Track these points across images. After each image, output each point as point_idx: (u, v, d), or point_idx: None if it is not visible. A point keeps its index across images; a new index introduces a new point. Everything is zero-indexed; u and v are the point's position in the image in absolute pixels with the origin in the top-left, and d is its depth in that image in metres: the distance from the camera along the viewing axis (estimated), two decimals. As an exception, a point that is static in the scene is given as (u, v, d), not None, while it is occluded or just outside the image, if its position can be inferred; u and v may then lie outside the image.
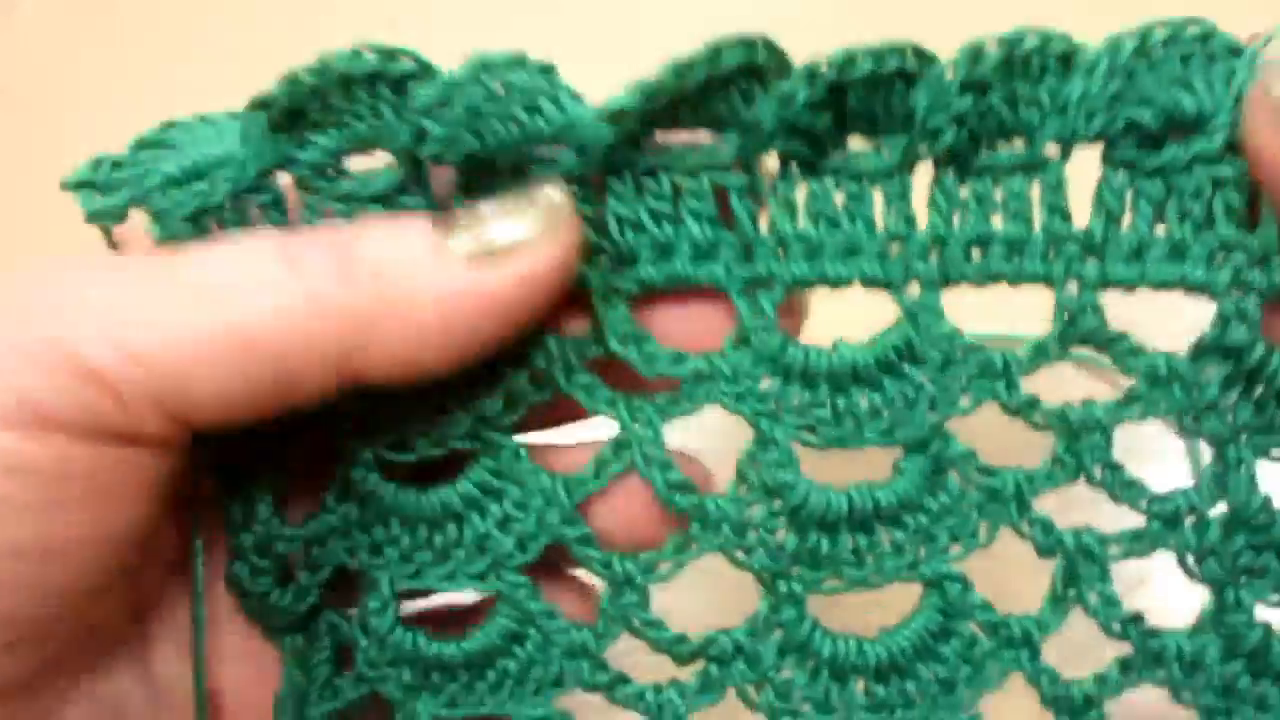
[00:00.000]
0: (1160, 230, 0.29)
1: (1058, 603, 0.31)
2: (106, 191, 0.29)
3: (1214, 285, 0.29)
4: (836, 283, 0.30)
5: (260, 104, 0.29)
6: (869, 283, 0.30)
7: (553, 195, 0.28)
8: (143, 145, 0.30)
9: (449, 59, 0.47)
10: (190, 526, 0.32)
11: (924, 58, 0.28)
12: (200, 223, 0.29)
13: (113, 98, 0.59)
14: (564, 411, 0.32)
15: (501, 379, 0.31)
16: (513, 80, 0.28)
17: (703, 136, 0.30)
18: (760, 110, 0.28)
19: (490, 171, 0.29)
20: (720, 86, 0.28)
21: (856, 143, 0.30)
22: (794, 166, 0.30)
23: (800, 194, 0.30)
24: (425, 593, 0.34)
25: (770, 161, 0.30)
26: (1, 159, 0.58)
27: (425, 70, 0.29)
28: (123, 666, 0.31)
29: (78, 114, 0.58)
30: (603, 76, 0.50)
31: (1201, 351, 0.29)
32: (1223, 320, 0.29)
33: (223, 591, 0.32)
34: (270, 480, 0.32)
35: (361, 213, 0.30)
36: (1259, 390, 0.29)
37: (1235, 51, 0.28)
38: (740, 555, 0.31)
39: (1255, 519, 0.30)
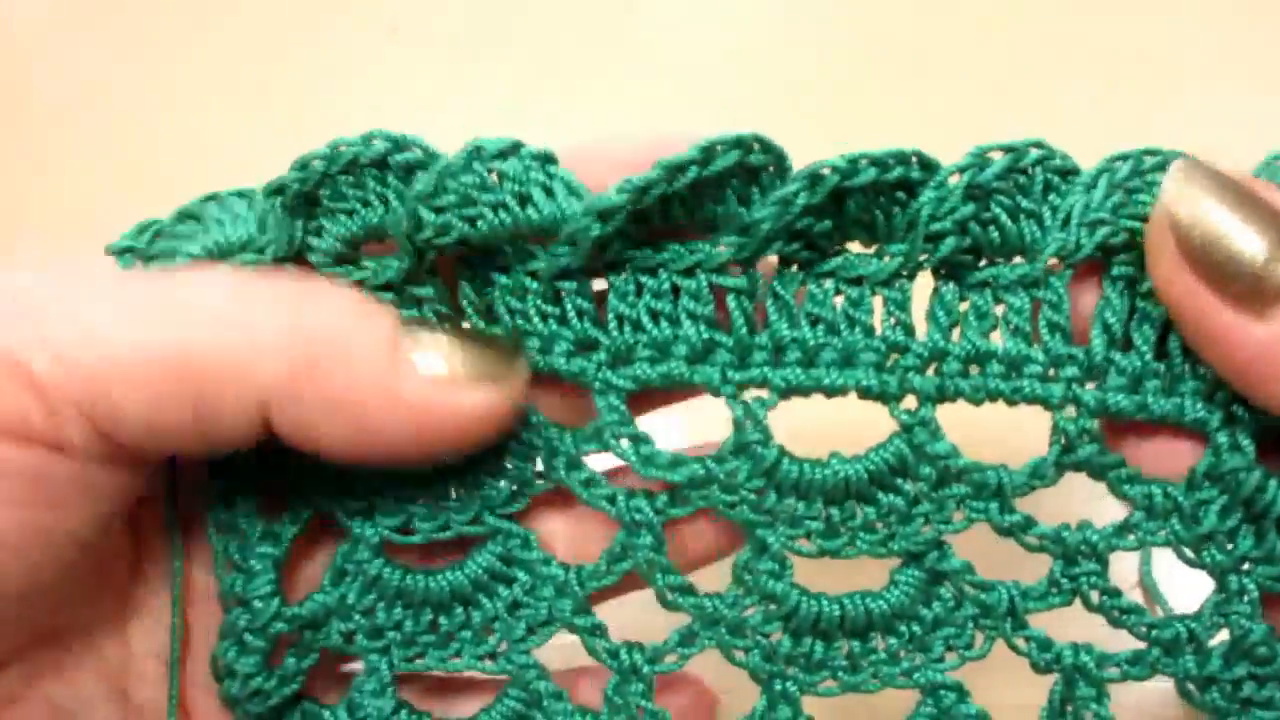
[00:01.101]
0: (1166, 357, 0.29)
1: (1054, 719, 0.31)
2: (145, 260, 0.30)
3: (1209, 423, 0.29)
4: (832, 392, 0.30)
5: (275, 189, 0.30)
6: (865, 394, 0.30)
7: (507, 350, 0.29)
8: (185, 215, 0.30)
9: (449, 64, 0.48)
10: (169, 546, 0.31)
11: (928, 165, 0.28)
12: None
13: (114, 98, 0.60)
14: (570, 499, 0.32)
15: (509, 468, 0.31)
16: (506, 169, 0.29)
17: (700, 236, 0.30)
18: (759, 213, 0.29)
19: (492, 260, 0.30)
20: (714, 186, 0.29)
21: (856, 245, 0.30)
22: (793, 268, 0.30)
23: (798, 297, 0.30)
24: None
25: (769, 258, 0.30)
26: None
27: (431, 158, 0.29)
28: (86, 673, 0.31)
29: (78, 114, 0.59)
30: (602, 76, 0.50)
31: (1197, 481, 0.29)
32: (1216, 450, 0.29)
33: (197, 611, 0.32)
34: (271, 556, 0.31)
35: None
36: (1259, 519, 0.29)
37: None
38: (738, 654, 0.32)
39: (1257, 651, 0.30)
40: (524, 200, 0.28)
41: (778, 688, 0.32)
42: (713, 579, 0.33)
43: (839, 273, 0.30)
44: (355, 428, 0.28)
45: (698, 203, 0.29)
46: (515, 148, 0.29)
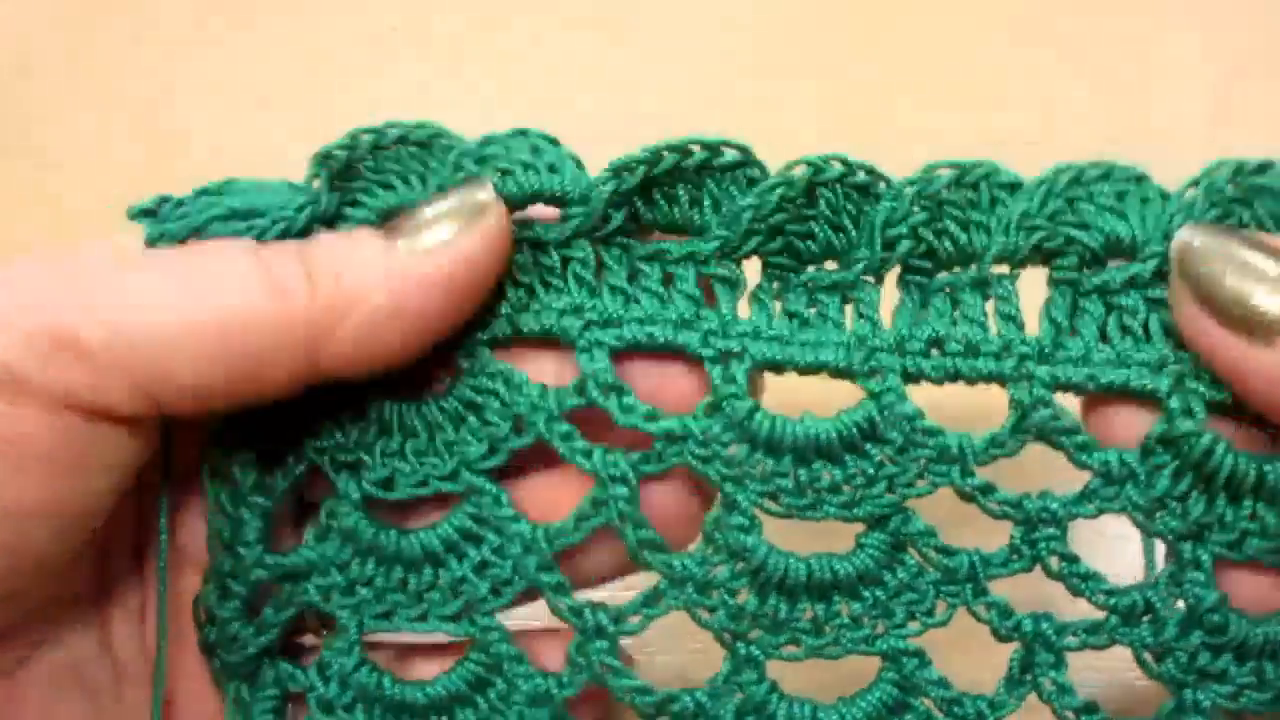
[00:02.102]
0: (1103, 342, 0.31)
1: (1013, 686, 0.32)
2: (172, 222, 0.31)
3: (1159, 390, 0.30)
4: (805, 369, 0.32)
5: (322, 156, 0.32)
6: (836, 372, 0.32)
7: (479, 195, 0.31)
8: (204, 193, 0.32)
9: (449, 64, 0.48)
10: (155, 517, 0.33)
11: (885, 179, 0.32)
12: None
13: (112, 98, 0.59)
14: (543, 459, 0.34)
15: (485, 424, 0.32)
16: (542, 146, 0.32)
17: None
18: (741, 202, 0.31)
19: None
20: (708, 179, 0.32)
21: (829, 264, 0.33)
22: (772, 283, 0.33)
23: (776, 303, 0.32)
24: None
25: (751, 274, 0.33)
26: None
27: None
28: (86, 638, 0.33)
29: (78, 115, 0.59)
30: (602, 76, 0.50)
31: (1150, 446, 0.31)
32: (1169, 415, 0.30)
33: (185, 587, 0.33)
34: (261, 506, 0.33)
35: None
36: (1209, 482, 0.30)
37: (1164, 196, 0.31)
38: (703, 614, 0.32)
39: (1210, 618, 0.31)
40: (552, 168, 0.32)
41: (742, 651, 0.32)
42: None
43: (812, 283, 0.32)
44: (391, 326, 0.30)
45: (690, 199, 0.32)
46: (555, 141, 0.32)
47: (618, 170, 0.31)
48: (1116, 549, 0.34)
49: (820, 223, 0.32)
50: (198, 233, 0.30)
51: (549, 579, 0.33)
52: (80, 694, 0.32)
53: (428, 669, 0.34)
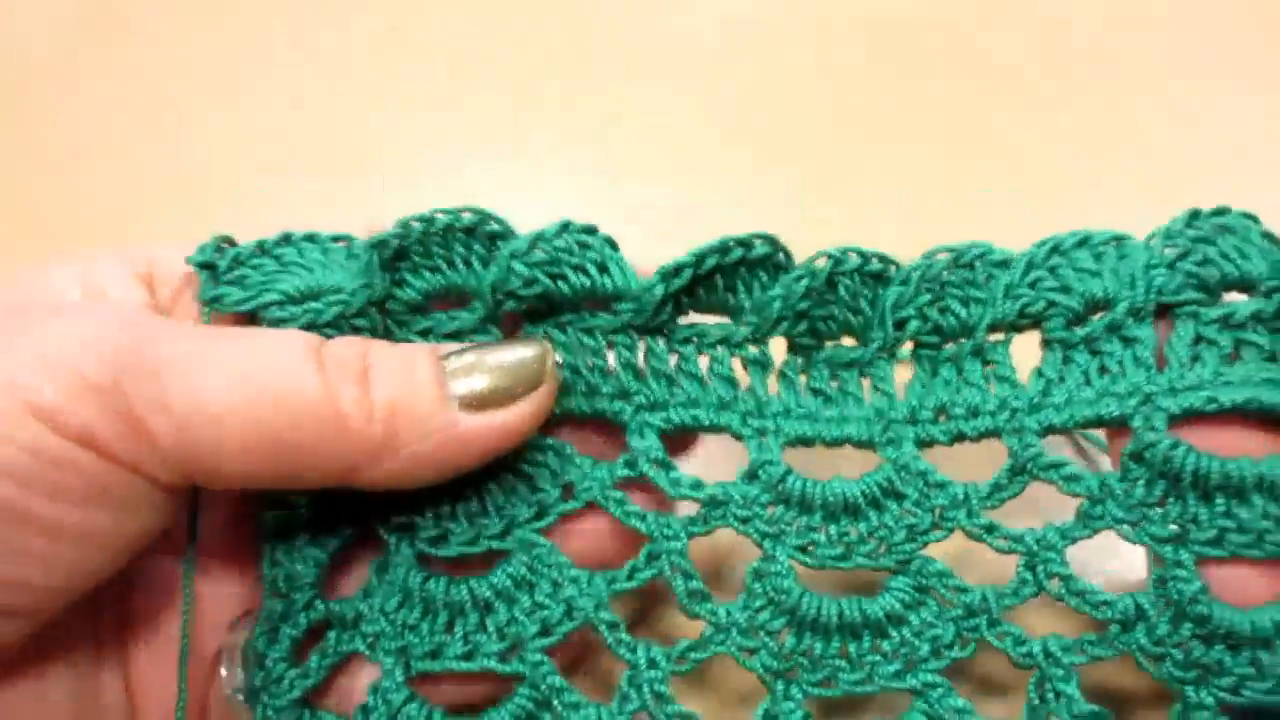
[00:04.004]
0: (1089, 385, 0.35)
1: (1034, 711, 0.34)
2: (228, 284, 0.34)
3: (1125, 413, 0.34)
4: (830, 442, 0.36)
5: (377, 244, 0.35)
6: (857, 444, 0.36)
7: (538, 366, 0.34)
8: (263, 250, 0.35)
9: (449, 64, 0.53)
10: (182, 563, 0.35)
11: (890, 262, 0.36)
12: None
13: (112, 98, 0.61)
14: (586, 520, 0.37)
15: (536, 490, 0.36)
16: (588, 241, 0.35)
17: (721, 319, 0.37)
18: (771, 292, 0.35)
19: (556, 322, 0.36)
20: (742, 272, 0.35)
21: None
22: (796, 357, 0.36)
23: (802, 378, 0.36)
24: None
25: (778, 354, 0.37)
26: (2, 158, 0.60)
27: (509, 232, 0.36)
28: (106, 666, 0.35)
29: (77, 115, 0.60)
30: (602, 76, 0.55)
31: (1126, 464, 0.34)
32: (1136, 433, 0.34)
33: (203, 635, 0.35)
34: (315, 558, 0.35)
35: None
36: (1178, 483, 0.34)
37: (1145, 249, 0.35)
38: (746, 657, 0.35)
39: (1194, 609, 0.33)
40: (602, 269, 0.35)
41: (781, 689, 0.35)
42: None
43: (833, 359, 0.37)
44: (430, 471, 0.33)
45: (726, 288, 0.36)
46: (595, 229, 0.35)
47: (666, 276, 0.35)
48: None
49: (840, 306, 0.36)
50: (258, 312, 0.34)
51: (607, 617, 0.35)
52: None
53: (475, 694, 0.36)
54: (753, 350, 0.36)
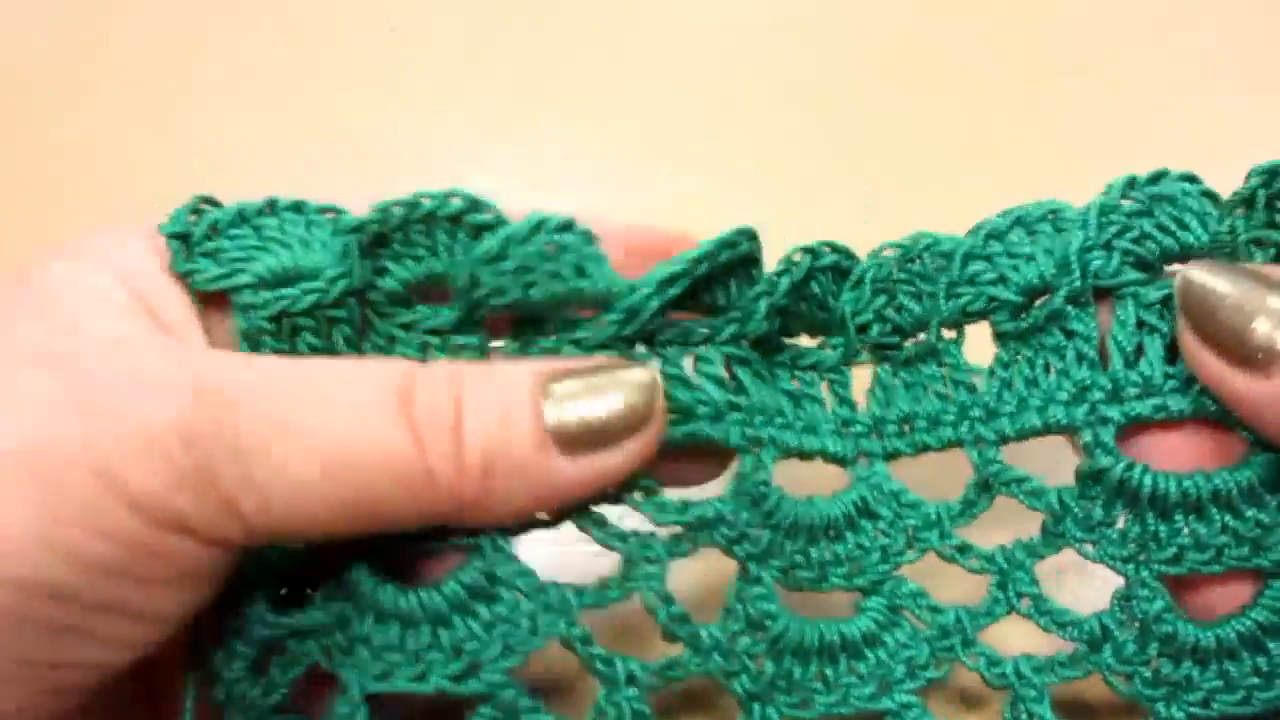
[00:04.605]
0: (1037, 385, 0.35)
1: None
2: (201, 256, 0.32)
3: (1074, 422, 0.34)
4: (804, 455, 0.35)
5: (354, 228, 0.32)
6: (829, 458, 0.35)
7: (644, 378, 0.31)
8: (242, 217, 0.32)
9: (446, 64, 0.50)
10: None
11: (852, 257, 0.35)
12: (280, 322, 0.32)
13: (111, 97, 0.60)
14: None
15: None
16: (564, 241, 0.32)
17: (697, 317, 0.35)
18: (758, 289, 0.34)
19: (540, 326, 0.33)
20: (728, 272, 0.34)
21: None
22: (763, 359, 0.35)
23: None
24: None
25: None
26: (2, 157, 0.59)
27: (500, 222, 0.33)
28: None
29: (77, 115, 0.59)
30: (601, 75, 0.54)
31: (1082, 483, 0.34)
32: (1086, 450, 0.34)
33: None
34: (271, 570, 0.33)
35: (422, 341, 0.33)
36: (1135, 502, 0.34)
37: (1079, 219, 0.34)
38: (725, 679, 0.34)
39: (1159, 628, 0.33)
40: (580, 272, 0.32)
41: (757, 711, 0.34)
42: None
43: (797, 359, 0.36)
44: (520, 516, 0.31)
45: (712, 289, 0.34)
46: (571, 224, 0.32)
47: (661, 285, 0.32)
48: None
49: (810, 304, 0.35)
50: (230, 292, 0.31)
51: (578, 631, 0.33)
52: None
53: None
54: (741, 348, 0.35)
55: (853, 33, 0.61)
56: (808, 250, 0.34)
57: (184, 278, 0.32)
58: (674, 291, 0.33)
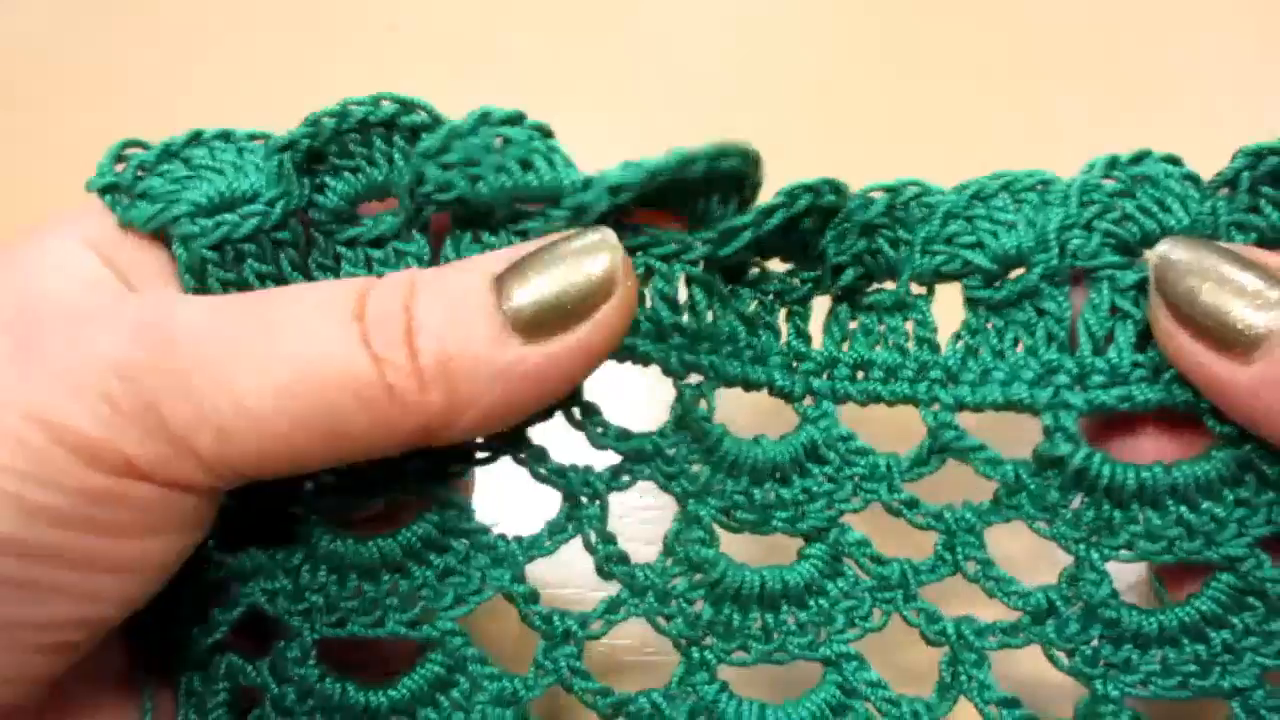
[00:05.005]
0: (1003, 358, 0.33)
1: (945, 688, 0.34)
2: (135, 199, 0.31)
3: (1037, 404, 0.32)
4: (749, 385, 0.34)
5: (285, 145, 0.31)
6: (775, 392, 0.34)
7: (597, 240, 0.29)
8: (169, 152, 0.31)
9: (446, 64, 0.49)
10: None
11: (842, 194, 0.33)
12: (223, 251, 0.31)
13: (111, 97, 0.60)
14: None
15: (456, 448, 0.33)
16: (511, 135, 0.30)
17: (672, 224, 0.32)
18: (745, 219, 0.32)
19: (485, 222, 0.31)
20: (707, 185, 0.31)
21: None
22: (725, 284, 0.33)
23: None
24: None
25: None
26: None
27: (437, 122, 0.32)
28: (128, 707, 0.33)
29: (76, 114, 0.59)
30: (601, 75, 0.54)
31: (1039, 463, 0.33)
32: (1046, 434, 0.33)
33: None
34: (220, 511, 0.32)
35: (364, 252, 0.33)
36: (1092, 491, 0.33)
37: (1067, 196, 0.33)
38: (662, 621, 0.34)
39: (1104, 612, 0.33)
40: (526, 166, 0.30)
41: (696, 655, 0.34)
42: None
43: (759, 284, 0.34)
44: (499, 419, 0.29)
45: (694, 201, 0.32)
46: (520, 117, 0.31)
47: (612, 190, 0.29)
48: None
49: (792, 237, 0.33)
50: (168, 226, 0.30)
51: (521, 589, 0.34)
52: None
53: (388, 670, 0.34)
54: (706, 272, 0.32)
55: (853, 32, 0.61)
56: (809, 189, 0.32)
57: (127, 227, 0.31)
58: (622, 199, 0.30)
